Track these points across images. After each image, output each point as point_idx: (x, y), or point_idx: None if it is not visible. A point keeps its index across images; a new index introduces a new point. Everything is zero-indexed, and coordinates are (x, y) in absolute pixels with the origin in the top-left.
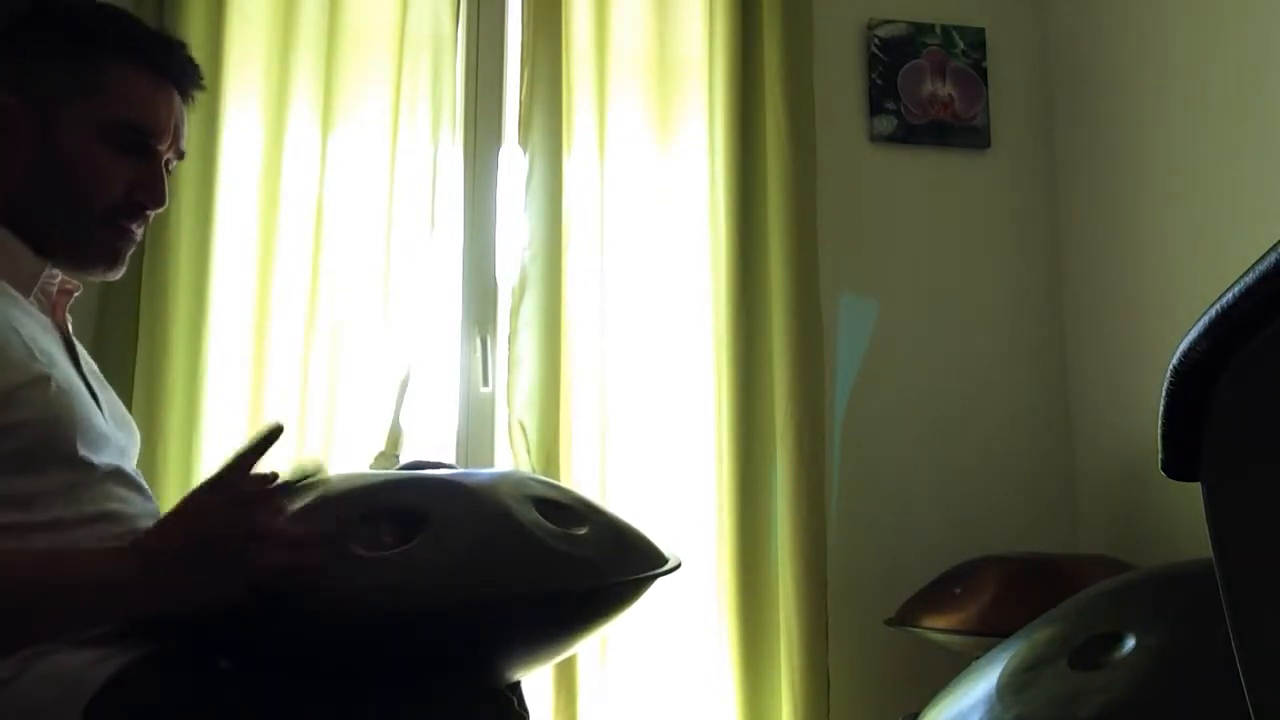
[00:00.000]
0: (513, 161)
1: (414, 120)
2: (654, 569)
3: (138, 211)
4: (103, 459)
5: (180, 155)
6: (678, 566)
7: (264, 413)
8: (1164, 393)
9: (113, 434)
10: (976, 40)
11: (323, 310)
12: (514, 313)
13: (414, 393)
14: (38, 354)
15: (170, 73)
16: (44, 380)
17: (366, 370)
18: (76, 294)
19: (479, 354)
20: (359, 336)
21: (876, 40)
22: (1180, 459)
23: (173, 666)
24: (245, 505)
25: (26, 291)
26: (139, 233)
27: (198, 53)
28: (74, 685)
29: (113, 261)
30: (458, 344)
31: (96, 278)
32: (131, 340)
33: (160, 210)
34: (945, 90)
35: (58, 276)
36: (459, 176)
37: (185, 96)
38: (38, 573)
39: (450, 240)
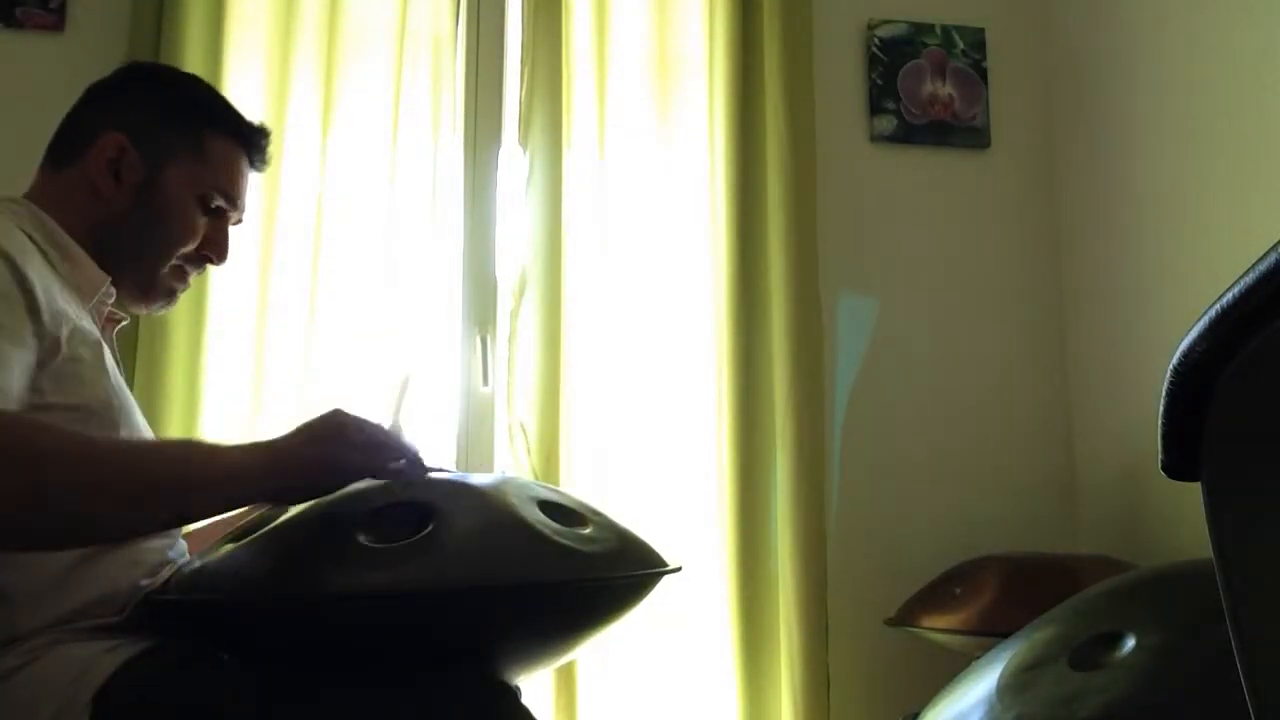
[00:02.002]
0: (513, 161)
1: (414, 119)
2: (657, 569)
3: (202, 263)
4: None
5: (240, 220)
6: (679, 569)
7: (263, 413)
8: (1164, 393)
9: None
10: (976, 40)
11: (323, 310)
12: (514, 313)
13: (414, 393)
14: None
15: (254, 156)
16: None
17: (366, 370)
18: (123, 324)
19: (479, 354)
20: (359, 336)
21: (876, 40)
22: (1180, 459)
23: (179, 658)
24: (382, 453)
25: (86, 300)
26: (192, 279)
27: (198, 52)
28: (82, 674)
29: (169, 300)
30: (458, 344)
31: (148, 312)
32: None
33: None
34: (945, 90)
35: (112, 297)
36: (459, 176)
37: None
38: (171, 458)
39: (450, 240)
